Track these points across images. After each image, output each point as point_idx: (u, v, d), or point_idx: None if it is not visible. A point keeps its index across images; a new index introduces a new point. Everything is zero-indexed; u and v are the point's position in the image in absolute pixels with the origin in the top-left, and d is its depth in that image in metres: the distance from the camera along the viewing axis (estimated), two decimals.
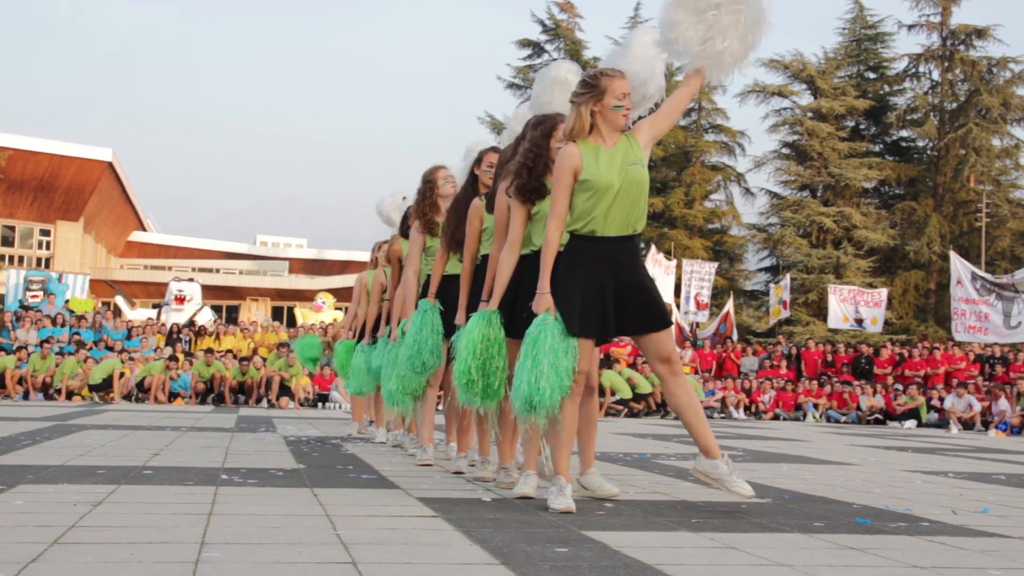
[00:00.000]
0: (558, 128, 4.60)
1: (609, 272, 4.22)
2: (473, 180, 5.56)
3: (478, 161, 5.58)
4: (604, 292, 4.20)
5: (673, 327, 4.42)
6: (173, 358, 17.78)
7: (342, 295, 36.97)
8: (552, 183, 4.40)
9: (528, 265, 4.59)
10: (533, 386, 4.03)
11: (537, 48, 41.24)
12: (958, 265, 21.14)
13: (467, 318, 5.03)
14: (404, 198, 7.98)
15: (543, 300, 4.19)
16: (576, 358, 4.14)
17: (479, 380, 4.51)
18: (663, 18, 4.51)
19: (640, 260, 4.42)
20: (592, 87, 4.27)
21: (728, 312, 24.33)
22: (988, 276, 21.32)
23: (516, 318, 4.54)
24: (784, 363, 20.89)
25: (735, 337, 23.91)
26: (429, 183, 6.24)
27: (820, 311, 31.56)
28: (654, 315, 4.27)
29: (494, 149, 5.55)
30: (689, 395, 4.29)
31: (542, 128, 4.66)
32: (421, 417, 6.19)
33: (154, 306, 32.21)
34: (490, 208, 5.22)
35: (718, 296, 34.26)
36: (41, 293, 23.86)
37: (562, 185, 4.23)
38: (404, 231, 7.38)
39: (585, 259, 4.22)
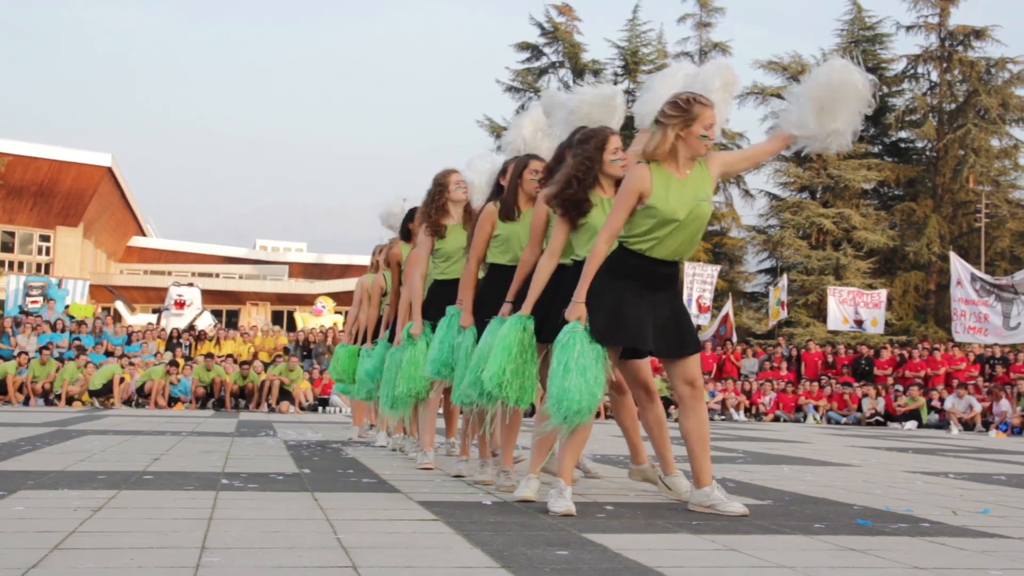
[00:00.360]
0: (610, 141, 4.60)
1: (647, 290, 4.25)
2: (499, 190, 5.45)
3: (503, 171, 5.47)
4: (641, 307, 4.22)
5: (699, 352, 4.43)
6: (174, 363, 17.78)
7: (342, 299, 36.96)
8: (597, 196, 4.46)
9: (567, 274, 4.58)
10: (564, 392, 4.05)
11: (535, 51, 41.27)
12: (958, 266, 21.15)
13: (475, 320, 5.11)
14: (405, 200, 7.94)
15: (576, 308, 4.19)
16: (606, 367, 4.13)
17: (513, 382, 4.51)
18: (789, 108, 4.53)
19: (677, 284, 4.45)
20: (683, 112, 4.20)
21: (728, 314, 24.34)
22: (988, 277, 21.33)
23: (549, 324, 4.55)
24: (784, 365, 20.89)
25: (735, 339, 23.91)
26: (440, 186, 6.07)
27: (820, 312, 31.53)
28: (686, 340, 4.31)
29: (535, 157, 5.45)
30: (701, 423, 4.33)
31: (594, 142, 4.60)
32: (423, 421, 6.18)
33: (154, 311, 32.23)
34: (503, 216, 5.23)
35: (718, 298, 34.27)
36: (41, 299, 23.86)
37: (624, 203, 4.19)
38: (404, 234, 7.35)
39: (626, 273, 4.23)
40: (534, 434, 4.62)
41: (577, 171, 4.55)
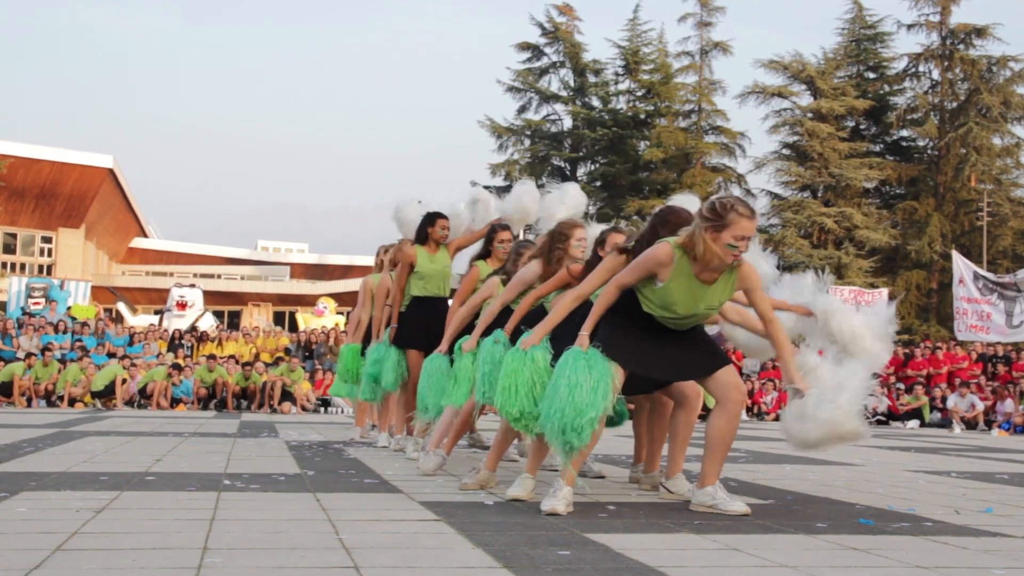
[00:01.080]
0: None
1: (658, 331, 4.31)
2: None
3: (599, 242, 5.35)
4: (650, 341, 4.27)
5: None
6: (176, 366, 17.80)
7: (344, 300, 36.95)
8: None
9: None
10: (551, 411, 4.10)
11: (536, 51, 41.27)
12: (960, 264, 21.13)
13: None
14: (420, 202, 7.94)
15: (582, 340, 4.22)
16: (607, 389, 4.11)
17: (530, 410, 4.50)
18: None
19: (694, 330, 4.43)
20: (718, 217, 4.09)
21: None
22: (990, 275, 21.31)
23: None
24: None
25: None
26: (563, 236, 5.55)
27: None
28: (715, 358, 4.38)
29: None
30: (732, 427, 4.35)
31: (669, 227, 4.43)
32: (438, 426, 6.16)
33: (156, 312, 32.25)
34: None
35: None
36: (43, 300, 23.88)
37: (640, 269, 4.20)
38: (421, 238, 7.37)
39: (637, 316, 4.30)
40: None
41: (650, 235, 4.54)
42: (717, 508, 4.25)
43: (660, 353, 4.30)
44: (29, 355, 17.94)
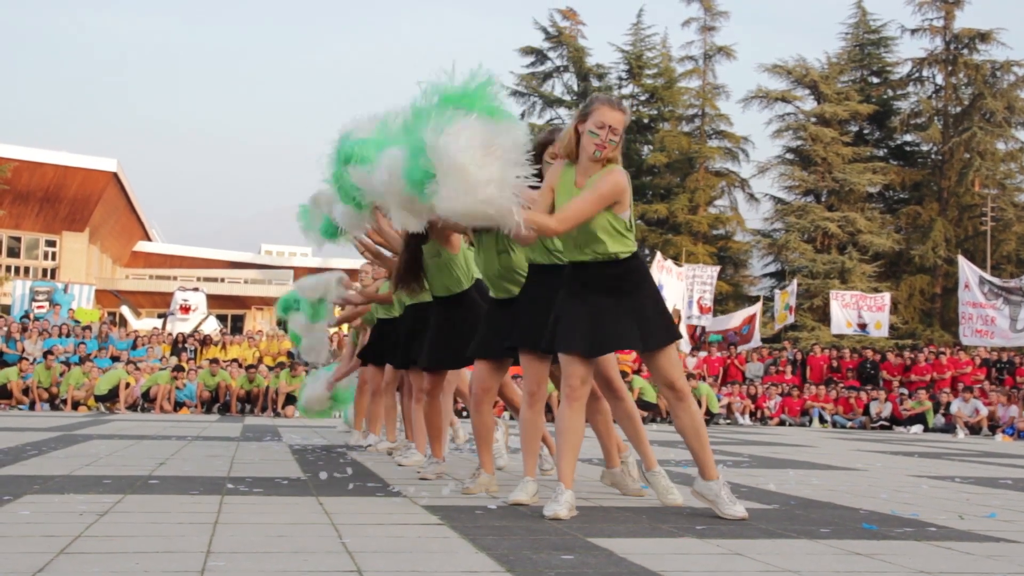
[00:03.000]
0: (552, 146, 4.56)
1: (587, 293, 4.21)
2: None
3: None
4: (571, 308, 4.21)
5: (674, 350, 4.37)
6: (179, 368, 17.81)
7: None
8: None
9: (559, 278, 4.42)
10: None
11: (540, 55, 41.29)
12: (966, 269, 21.12)
13: None
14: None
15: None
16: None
17: None
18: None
19: (627, 285, 4.23)
20: (584, 108, 4.21)
21: (754, 315, 24.06)
22: (995, 280, 21.29)
23: (518, 327, 4.57)
24: (789, 368, 20.86)
25: (757, 342, 23.66)
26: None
27: (825, 316, 31.44)
28: (647, 334, 4.19)
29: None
30: (692, 419, 4.30)
31: (539, 140, 4.61)
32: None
33: (159, 316, 32.26)
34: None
35: (723, 301, 34.22)
36: (47, 303, 23.92)
37: (542, 191, 4.24)
38: None
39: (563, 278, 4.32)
40: (521, 438, 4.66)
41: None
42: (715, 506, 4.25)
43: (557, 323, 4.22)
44: (22, 359, 17.98)
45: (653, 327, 4.21)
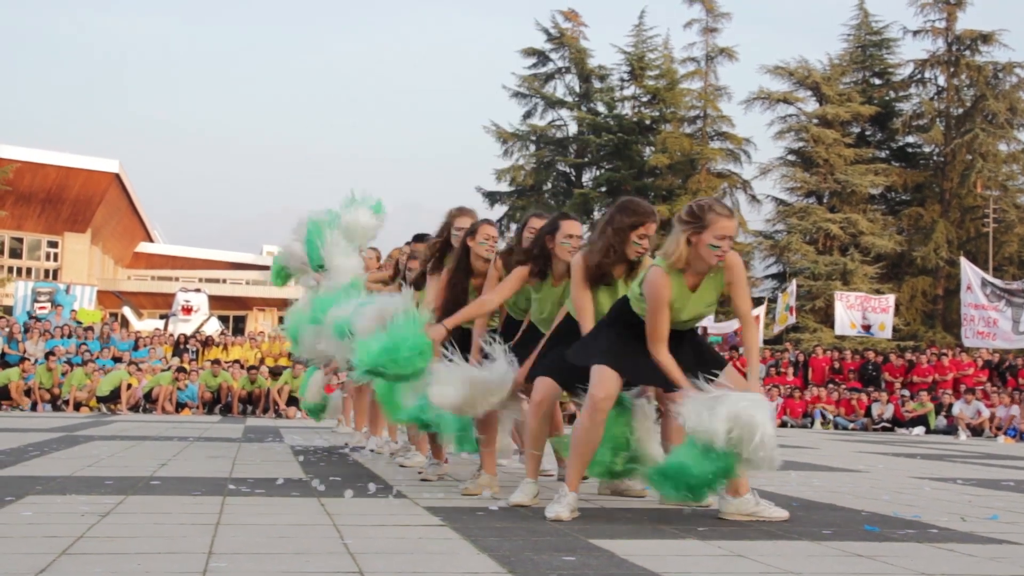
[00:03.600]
0: (645, 228, 4.49)
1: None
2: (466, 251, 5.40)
3: (472, 232, 5.37)
4: (636, 346, 4.27)
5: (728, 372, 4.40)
6: (182, 370, 17.82)
7: None
8: (629, 286, 4.42)
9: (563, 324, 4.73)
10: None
11: (542, 57, 41.28)
12: (968, 271, 21.09)
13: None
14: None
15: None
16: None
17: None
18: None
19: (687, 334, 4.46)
20: (696, 219, 4.13)
21: (758, 316, 24.03)
22: (998, 282, 21.26)
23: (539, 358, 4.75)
24: (791, 370, 20.85)
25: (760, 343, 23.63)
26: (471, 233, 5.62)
27: (827, 318, 31.45)
28: (706, 360, 4.39)
29: (488, 221, 5.45)
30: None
31: (632, 220, 4.48)
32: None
33: (161, 317, 32.27)
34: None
35: (725, 303, 34.09)
36: (49, 304, 23.92)
37: (658, 309, 4.16)
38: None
39: (627, 323, 4.32)
40: (527, 441, 4.67)
41: (613, 242, 4.50)
42: (756, 515, 4.25)
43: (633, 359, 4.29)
44: (23, 359, 18.00)
45: (712, 350, 4.65)
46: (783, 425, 18.73)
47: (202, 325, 25.69)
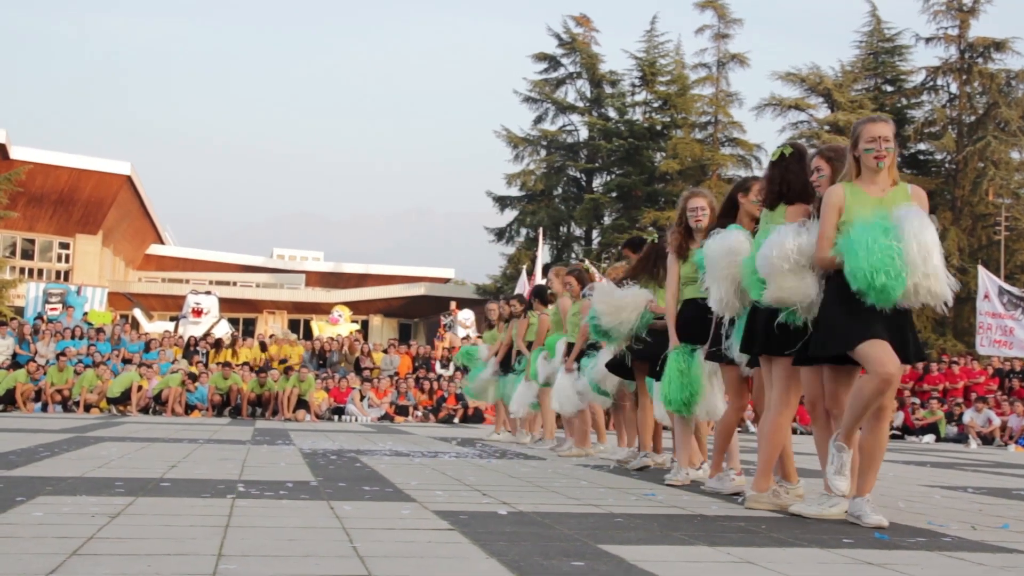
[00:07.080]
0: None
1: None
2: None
3: (745, 189, 5.67)
4: (863, 315, 4.62)
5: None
6: (191, 375, 17.87)
7: (359, 308, 36.94)
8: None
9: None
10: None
11: (553, 62, 41.32)
12: (985, 279, 21.00)
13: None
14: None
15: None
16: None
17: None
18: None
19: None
20: (853, 135, 4.57)
21: None
22: (1015, 290, 21.15)
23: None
24: None
25: None
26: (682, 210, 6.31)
27: None
28: (908, 346, 4.75)
29: (756, 179, 5.71)
30: (880, 441, 4.68)
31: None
32: (680, 439, 6.35)
33: (172, 319, 32.34)
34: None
35: None
36: (60, 306, 23.99)
37: (828, 212, 4.52)
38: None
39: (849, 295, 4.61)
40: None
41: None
42: (861, 521, 4.38)
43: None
44: (30, 360, 18.07)
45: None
46: (793, 432, 18.68)
47: (212, 327, 25.74)
